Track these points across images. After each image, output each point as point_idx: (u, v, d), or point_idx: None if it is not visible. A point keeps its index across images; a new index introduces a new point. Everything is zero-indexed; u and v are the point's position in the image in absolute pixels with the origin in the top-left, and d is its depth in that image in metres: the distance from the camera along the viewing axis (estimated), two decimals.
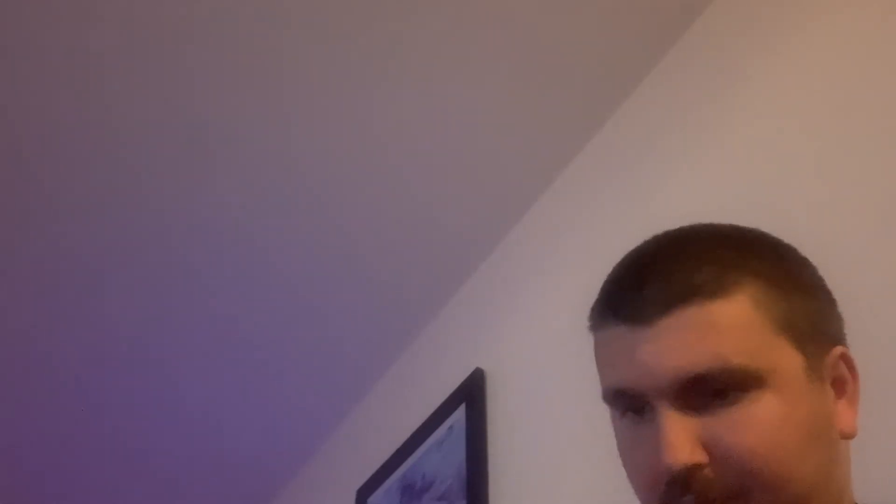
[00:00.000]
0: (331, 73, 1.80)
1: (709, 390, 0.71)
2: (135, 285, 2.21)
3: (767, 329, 0.73)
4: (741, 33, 1.59)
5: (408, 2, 1.69)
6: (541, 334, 1.84)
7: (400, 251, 2.11)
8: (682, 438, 0.70)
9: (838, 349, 0.77)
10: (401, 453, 2.12)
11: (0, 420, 2.55)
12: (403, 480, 2.08)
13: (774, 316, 0.73)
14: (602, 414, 1.67)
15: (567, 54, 1.75)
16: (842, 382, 0.76)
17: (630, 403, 0.75)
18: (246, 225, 2.08)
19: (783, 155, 1.43)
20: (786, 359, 0.73)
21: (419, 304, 2.22)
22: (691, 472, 0.70)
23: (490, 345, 1.98)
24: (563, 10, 1.68)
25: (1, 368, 2.42)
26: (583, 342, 1.79)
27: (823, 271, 0.81)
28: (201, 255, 2.15)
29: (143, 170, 1.97)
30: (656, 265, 0.76)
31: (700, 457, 0.70)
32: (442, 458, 1.96)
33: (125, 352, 2.38)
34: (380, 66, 1.79)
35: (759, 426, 0.70)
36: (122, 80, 1.81)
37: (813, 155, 1.37)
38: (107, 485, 2.76)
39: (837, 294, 0.80)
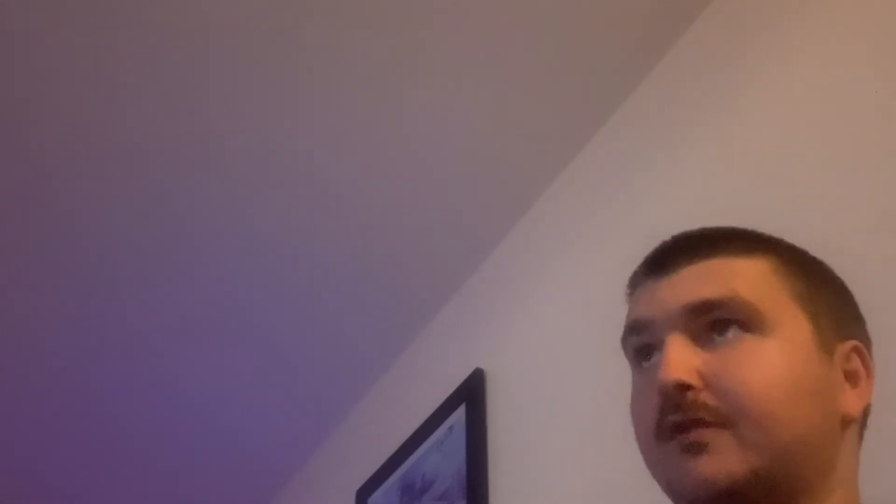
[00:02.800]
0: (338, 74, 1.80)
1: (715, 320, 0.74)
2: (137, 280, 2.21)
3: (783, 293, 0.76)
4: (740, 34, 1.59)
5: (412, 8, 1.69)
6: (541, 334, 1.84)
7: (400, 251, 2.11)
8: (682, 359, 0.73)
9: (853, 342, 0.78)
10: (401, 453, 2.11)
11: (3, 415, 2.55)
12: (403, 481, 2.08)
13: (793, 288, 0.77)
14: (602, 414, 1.67)
15: (568, 54, 1.74)
16: (855, 376, 0.77)
17: (641, 343, 0.78)
18: (246, 224, 2.08)
19: (782, 155, 1.42)
20: (795, 321, 0.75)
21: (419, 304, 2.22)
22: (683, 390, 0.72)
23: (490, 345, 1.98)
24: (564, 12, 1.68)
25: (4, 364, 2.42)
26: (584, 342, 1.79)
27: None
28: (201, 255, 2.15)
29: (152, 167, 1.98)
30: (691, 235, 0.81)
31: (695, 380, 0.72)
32: (442, 458, 1.96)
33: (127, 349, 2.38)
34: (385, 71, 1.79)
35: (757, 365, 0.73)
36: (136, 83, 1.82)
37: (812, 157, 1.37)
38: (106, 483, 2.76)
39: None
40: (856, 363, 0.78)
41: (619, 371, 1.52)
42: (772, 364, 0.73)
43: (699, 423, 0.72)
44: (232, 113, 1.87)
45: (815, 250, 0.82)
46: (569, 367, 1.70)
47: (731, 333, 0.74)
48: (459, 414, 1.94)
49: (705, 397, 0.72)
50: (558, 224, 1.90)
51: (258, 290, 2.22)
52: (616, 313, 1.64)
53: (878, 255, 1.19)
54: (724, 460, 0.71)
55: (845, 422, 0.76)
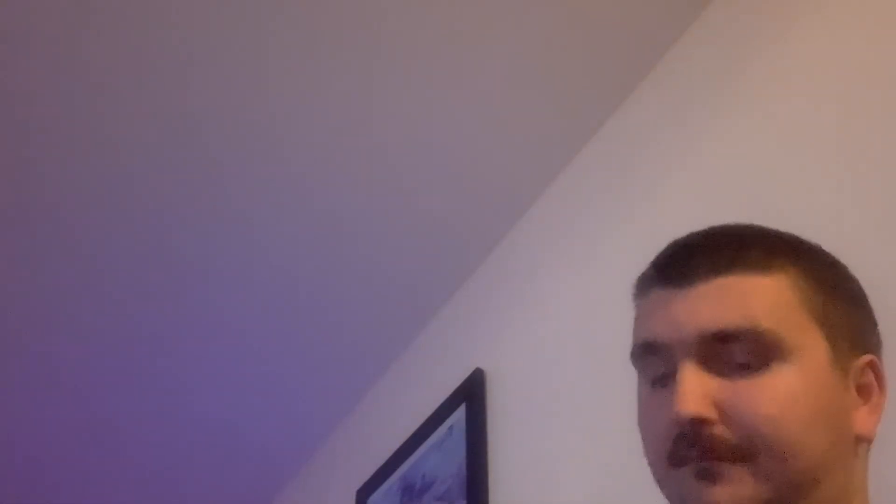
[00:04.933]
0: (333, 72, 1.80)
1: (734, 356, 0.73)
2: (141, 283, 2.21)
3: (801, 312, 0.75)
4: (739, 35, 1.59)
5: (411, 10, 1.69)
6: (541, 334, 1.84)
7: (399, 251, 2.11)
8: (697, 391, 0.72)
9: (868, 357, 0.78)
10: (401, 453, 2.12)
11: (5, 413, 2.55)
12: (403, 481, 2.08)
13: (811, 305, 0.76)
14: (602, 414, 1.67)
15: (566, 55, 1.75)
16: (867, 390, 0.78)
17: (655, 365, 0.77)
18: (245, 225, 2.08)
19: (781, 158, 1.42)
20: (813, 342, 0.75)
21: (419, 304, 2.22)
22: (699, 424, 0.71)
23: (490, 345, 1.98)
24: (563, 14, 1.68)
25: (9, 369, 2.42)
26: (584, 341, 1.79)
27: None
28: (204, 255, 2.15)
29: (142, 173, 1.97)
30: (707, 242, 0.79)
31: (710, 413, 0.72)
32: (442, 458, 1.96)
33: (129, 351, 2.38)
34: (383, 72, 1.79)
35: (775, 395, 0.72)
36: (123, 82, 1.82)
37: (812, 159, 1.37)
38: (107, 484, 2.76)
39: None
40: (869, 377, 0.78)
41: (618, 371, 1.52)
42: (790, 393, 0.72)
43: (714, 458, 0.72)
44: (226, 116, 1.87)
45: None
46: (569, 367, 1.70)
47: (751, 369, 0.73)
48: (459, 414, 1.94)
49: (721, 431, 0.72)
50: (557, 225, 1.91)
51: (258, 291, 2.22)
52: (615, 313, 1.64)
53: (879, 262, 1.19)
54: (739, 491, 0.71)
55: (858, 440, 0.76)
